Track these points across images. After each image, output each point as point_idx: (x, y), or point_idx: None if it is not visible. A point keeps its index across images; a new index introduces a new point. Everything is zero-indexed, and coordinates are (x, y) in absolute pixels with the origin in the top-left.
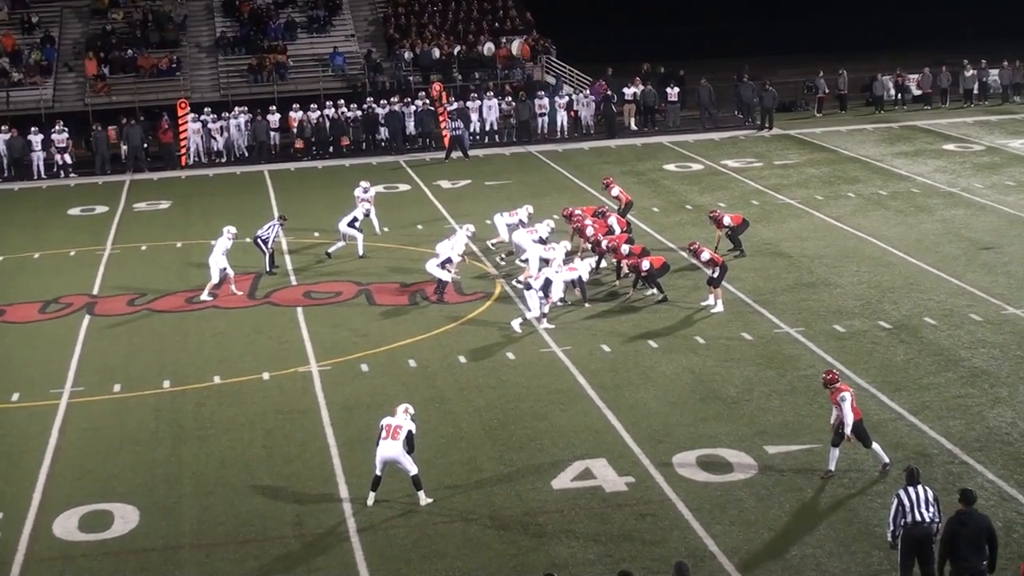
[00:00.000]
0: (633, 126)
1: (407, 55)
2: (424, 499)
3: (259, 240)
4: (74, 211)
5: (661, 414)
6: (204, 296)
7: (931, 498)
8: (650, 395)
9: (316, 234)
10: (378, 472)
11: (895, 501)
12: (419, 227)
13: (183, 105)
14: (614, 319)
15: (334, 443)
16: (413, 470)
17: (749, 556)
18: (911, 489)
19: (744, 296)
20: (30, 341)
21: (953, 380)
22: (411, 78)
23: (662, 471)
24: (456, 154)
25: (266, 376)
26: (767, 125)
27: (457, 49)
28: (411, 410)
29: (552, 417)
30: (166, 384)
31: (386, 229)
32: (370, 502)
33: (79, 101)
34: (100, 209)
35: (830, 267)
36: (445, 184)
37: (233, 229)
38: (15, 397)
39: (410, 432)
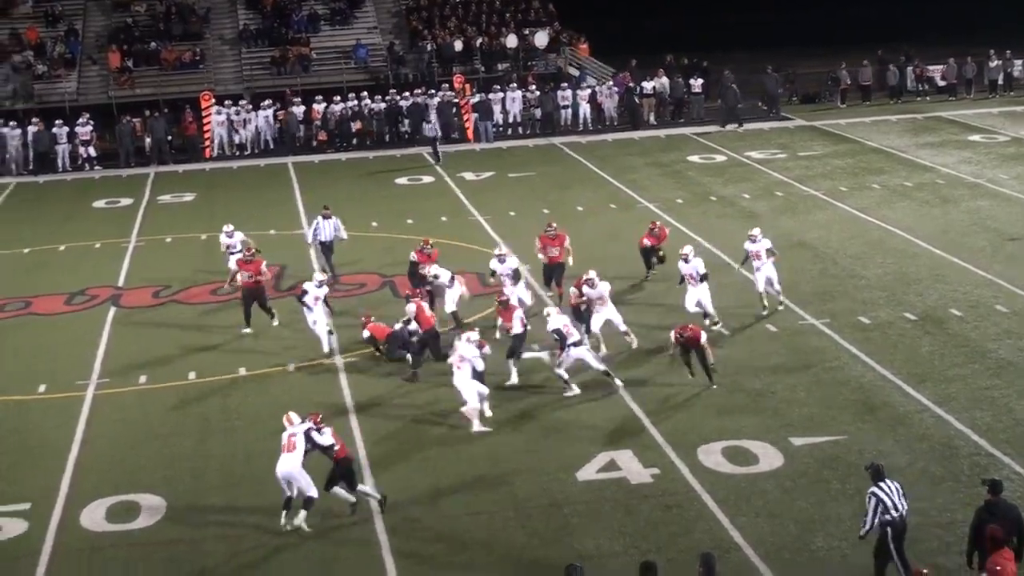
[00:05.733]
0: (652, 120)
1: (430, 47)
2: (303, 519)
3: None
4: (99, 203)
5: (686, 406)
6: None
7: (900, 489)
8: (673, 387)
9: None
10: (287, 493)
11: (873, 499)
12: (443, 219)
13: (206, 98)
14: (639, 311)
15: (359, 435)
16: (311, 491)
17: (774, 548)
18: (883, 484)
19: (769, 288)
20: (56, 333)
21: (979, 372)
22: (434, 69)
23: (687, 463)
24: (482, 146)
25: (291, 367)
26: (774, 111)
27: (480, 41)
28: (294, 417)
29: (577, 408)
30: (191, 375)
31: (375, 223)
32: (283, 521)
33: (103, 94)
34: (125, 201)
35: (855, 259)
36: (469, 176)
37: (462, 288)
38: (42, 388)
39: (305, 433)
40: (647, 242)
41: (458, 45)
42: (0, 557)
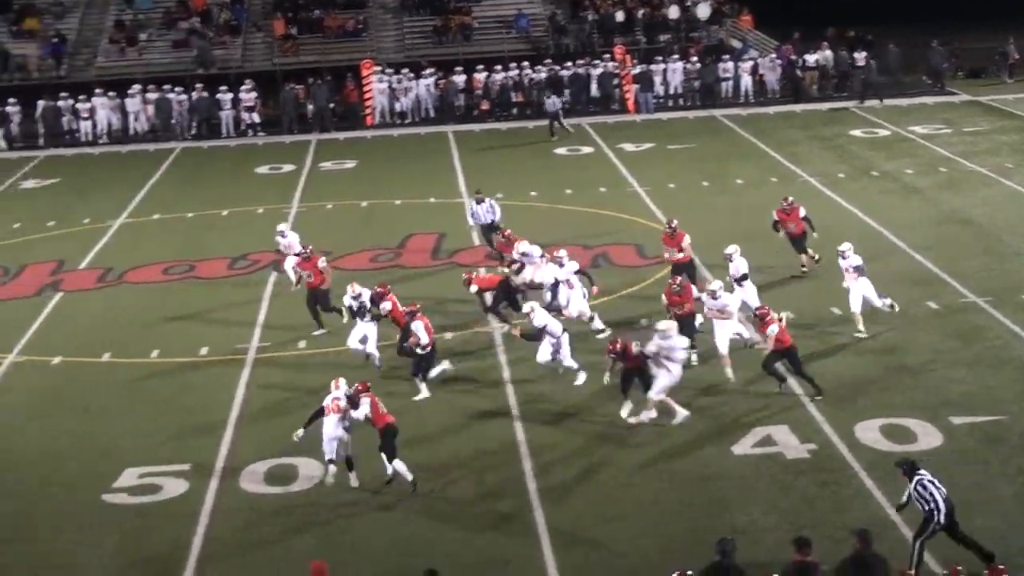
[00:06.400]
0: (815, 93)
1: (591, 17)
2: (332, 474)
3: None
4: (262, 169)
5: (844, 382)
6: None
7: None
8: (832, 362)
9: (500, 195)
10: (333, 456)
11: (930, 486)
12: (602, 190)
13: (367, 66)
14: (795, 285)
15: (515, 403)
16: (329, 455)
17: None
18: (923, 473)
19: (931, 264)
20: (219, 296)
21: None
22: (595, 40)
23: (845, 439)
24: (642, 117)
25: (448, 336)
26: (938, 86)
27: (641, 12)
28: (342, 383)
29: (734, 382)
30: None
31: (533, 193)
32: (354, 483)
33: (267, 61)
34: (287, 168)
35: (1020, 236)
36: (628, 147)
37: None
38: (204, 351)
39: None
40: (775, 216)
41: (620, 16)
42: (161, 516)
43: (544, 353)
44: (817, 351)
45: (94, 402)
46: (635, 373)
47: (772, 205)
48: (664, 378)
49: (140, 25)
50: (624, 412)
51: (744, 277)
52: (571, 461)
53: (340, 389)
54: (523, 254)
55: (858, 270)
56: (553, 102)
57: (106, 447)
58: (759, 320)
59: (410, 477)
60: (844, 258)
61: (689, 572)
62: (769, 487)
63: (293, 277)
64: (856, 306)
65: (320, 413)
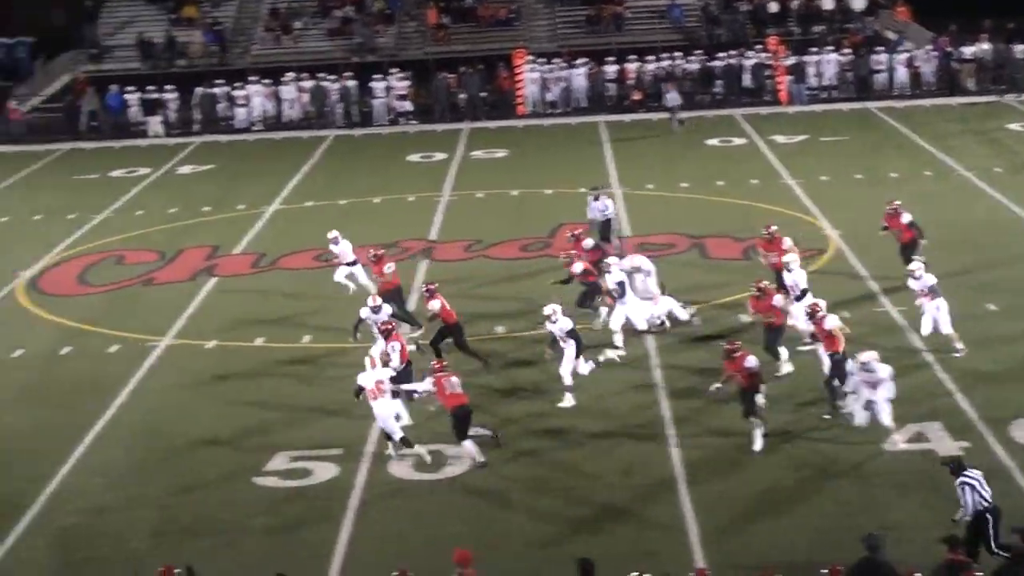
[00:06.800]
0: (972, 86)
1: (744, 8)
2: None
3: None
4: (413, 157)
5: (999, 379)
6: None
7: (982, 476)
8: (987, 359)
9: (650, 186)
10: (397, 435)
11: (967, 488)
12: (753, 182)
13: (520, 55)
14: (948, 280)
15: (664, 394)
16: (398, 433)
17: None
18: (968, 473)
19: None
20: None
21: None
22: (748, 30)
23: (999, 437)
24: (795, 109)
25: (598, 325)
26: None
27: (796, 2)
28: (376, 359)
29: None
30: (499, 329)
31: (684, 184)
32: (423, 452)
33: (419, 50)
34: (438, 156)
35: None
36: (780, 139)
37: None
38: (358, 335)
39: (391, 378)
40: (885, 224)
41: (773, 6)
42: (311, 500)
43: (567, 364)
44: (973, 344)
45: (247, 386)
46: (749, 393)
47: (925, 199)
48: (886, 406)
49: (295, 13)
50: (756, 446)
51: (804, 292)
52: (721, 456)
53: (377, 369)
54: (634, 267)
55: (932, 291)
56: (673, 96)
57: (258, 431)
58: (811, 316)
59: (482, 459)
60: (916, 279)
61: (839, 568)
62: (921, 484)
63: (347, 283)
64: (926, 329)
65: (360, 391)
